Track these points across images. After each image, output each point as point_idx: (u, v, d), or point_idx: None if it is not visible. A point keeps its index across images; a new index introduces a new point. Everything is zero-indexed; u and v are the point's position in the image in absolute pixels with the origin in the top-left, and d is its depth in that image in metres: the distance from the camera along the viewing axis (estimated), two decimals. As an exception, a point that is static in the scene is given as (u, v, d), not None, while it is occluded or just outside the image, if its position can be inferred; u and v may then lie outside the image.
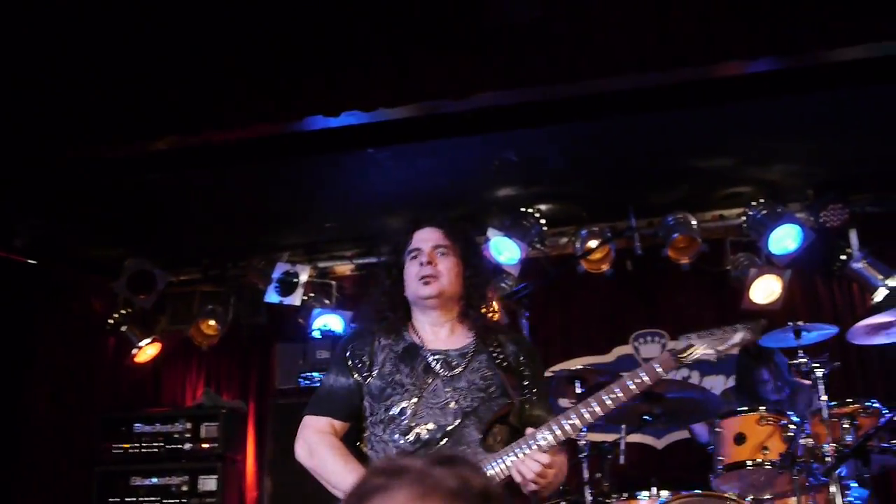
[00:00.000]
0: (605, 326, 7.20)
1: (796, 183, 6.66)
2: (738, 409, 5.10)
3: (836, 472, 4.59)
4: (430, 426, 3.00)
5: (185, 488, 6.26)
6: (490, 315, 3.26)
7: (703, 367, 6.87)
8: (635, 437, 6.56)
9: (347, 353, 3.19)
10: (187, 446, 6.41)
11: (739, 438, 4.96)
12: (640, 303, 7.18)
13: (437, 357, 3.11)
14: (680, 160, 6.25)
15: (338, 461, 3.05)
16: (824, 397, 4.79)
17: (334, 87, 4.74)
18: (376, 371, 3.12)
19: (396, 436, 3.01)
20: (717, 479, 5.04)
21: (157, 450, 6.41)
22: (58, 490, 7.01)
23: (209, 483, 6.19)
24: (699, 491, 4.89)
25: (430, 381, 3.06)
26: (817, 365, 4.85)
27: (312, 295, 7.17)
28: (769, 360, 5.67)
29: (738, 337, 3.08)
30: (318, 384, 3.23)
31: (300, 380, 6.22)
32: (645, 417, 5.04)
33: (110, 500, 6.32)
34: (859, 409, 4.88)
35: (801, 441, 4.78)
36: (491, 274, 3.41)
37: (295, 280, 6.99)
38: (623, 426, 5.24)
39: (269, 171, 6.09)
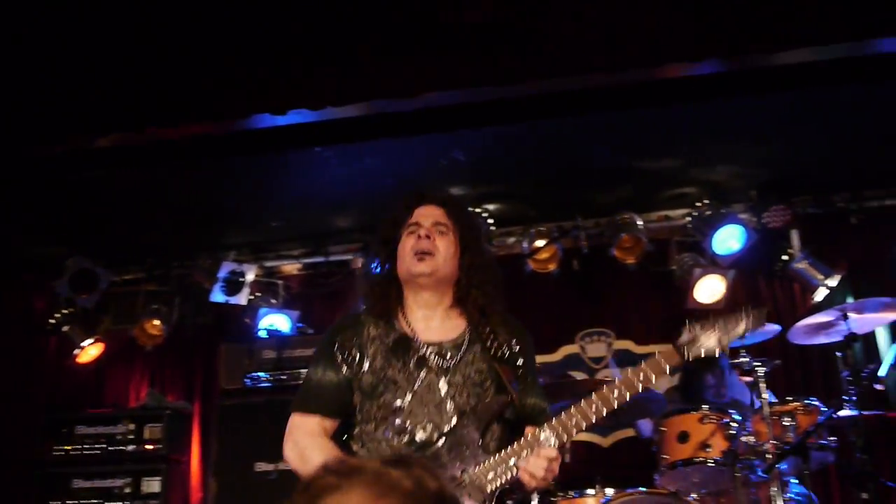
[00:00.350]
0: (551, 326, 7.23)
1: (740, 184, 6.76)
2: (681, 408, 5.16)
3: (777, 468, 4.68)
4: (427, 427, 2.88)
5: (127, 490, 6.16)
6: (484, 302, 3.07)
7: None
8: (582, 435, 6.62)
9: (335, 346, 3.03)
10: (130, 448, 6.30)
11: (682, 437, 5.02)
12: (587, 302, 7.24)
13: (430, 350, 2.98)
14: (626, 161, 6.31)
15: None
16: (765, 396, 4.87)
17: (281, 85, 4.70)
18: (367, 365, 2.97)
19: (390, 434, 2.89)
20: (661, 477, 5.09)
21: (99, 451, 6.30)
22: (-1, 494, 6.89)
23: (153, 485, 6.10)
24: (643, 489, 4.95)
25: (424, 375, 2.94)
26: (759, 364, 4.93)
27: (259, 294, 7.12)
28: (714, 366, 5.75)
29: (743, 326, 2.91)
30: (304, 378, 3.08)
31: (246, 380, 6.15)
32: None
33: (51, 503, 6.19)
34: (799, 408, 4.98)
35: (743, 439, 4.86)
36: (490, 262, 3.26)
37: (241, 279, 6.94)
38: (569, 425, 5.26)
39: (215, 170, 6.04)
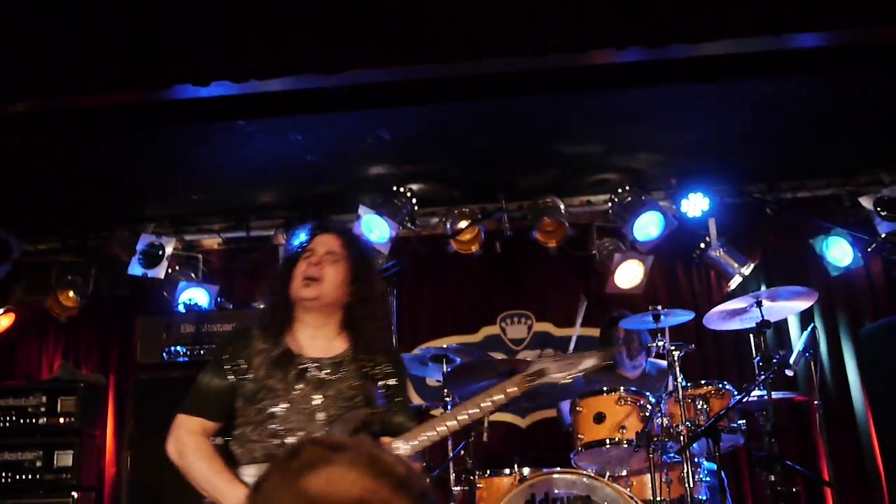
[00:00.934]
0: (473, 306, 7.28)
1: (660, 172, 6.87)
2: (599, 389, 5.25)
3: (689, 450, 4.79)
4: (298, 433, 3.12)
5: (39, 464, 6.01)
6: (372, 328, 3.35)
7: (566, 348, 7.04)
8: (500, 416, 6.70)
9: (226, 355, 3.28)
10: (42, 420, 6.16)
11: (599, 417, 5.11)
12: (508, 284, 7.30)
13: (309, 365, 3.23)
14: (550, 145, 6.37)
15: (203, 465, 3.15)
16: (680, 378, 4.98)
17: (204, 56, 4.63)
18: (251, 374, 3.21)
19: (265, 438, 3.14)
20: (577, 457, 5.18)
21: (8, 424, 6.15)
22: None
23: (65, 458, 5.96)
24: (559, 468, 5.02)
25: (301, 387, 3.18)
26: (674, 348, 5.04)
27: (178, 268, 7.01)
28: (633, 343, 5.87)
29: (590, 363, 3.28)
30: (194, 382, 3.35)
31: (163, 354, 6.06)
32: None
33: (-42, 476, 6.04)
34: (712, 391, 5.11)
35: (657, 420, 4.97)
36: (380, 293, 3.54)
37: (160, 252, 6.83)
38: (486, 405, 5.31)
39: (136, 140, 5.92)
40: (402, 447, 3.13)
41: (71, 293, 7.14)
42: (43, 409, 6.16)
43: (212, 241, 7.31)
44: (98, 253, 7.21)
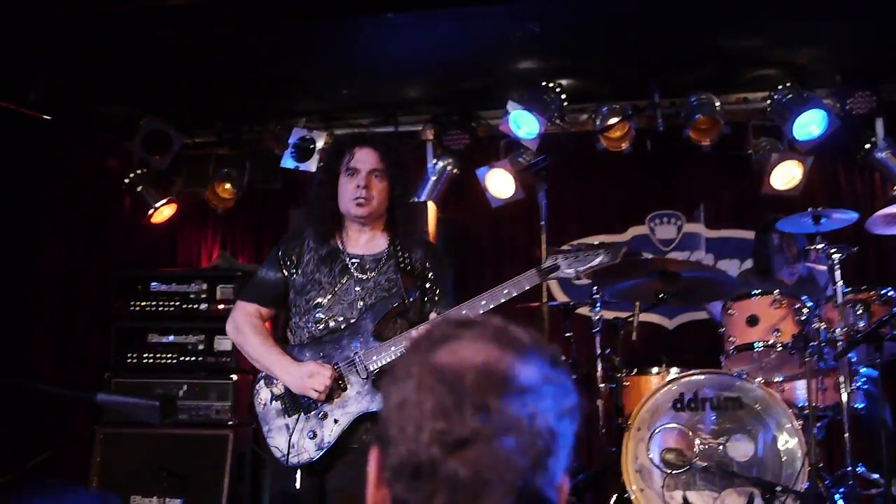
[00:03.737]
0: (621, 205, 7.17)
1: (824, 68, 6.51)
2: (752, 291, 5.11)
3: (847, 356, 4.63)
4: (339, 319, 3.56)
5: (201, 347, 6.33)
6: (411, 226, 3.80)
7: (718, 250, 6.89)
8: (647, 317, 6.63)
9: (280, 252, 3.73)
10: (203, 307, 6.45)
11: (752, 320, 4.99)
12: (658, 183, 7.14)
13: (353, 261, 3.64)
14: (706, 39, 6.08)
15: (257, 339, 3.64)
16: (839, 283, 4.78)
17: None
18: (301, 269, 3.67)
19: (311, 325, 3.59)
20: (728, 360, 5.10)
21: (172, 308, 6.47)
22: (73, 346, 7.13)
23: (225, 343, 6.23)
24: (709, 370, 4.95)
25: (345, 280, 3.60)
26: (834, 250, 4.82)
27: (328, 162, 7.11)
28: (790, 245, 5.68)
29: (598, 259, 3.48)
30: (253, 274, 3.89)
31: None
32: (661, 295, 5.08)
33: (128, 355, 6.41)
34: (874, 297, 4.90)
35: (814, 325, 4.80)
36: (412, 191, 4.21)
37: (311, 146, 6.93)
38: (637, 303, 5.27)
39: (286, 34, 5.95)
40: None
41: (227, 185, 7.37)
42: (204, 296, 6.45)
43: (361, 136, 7.36)
44: (252, 146, 7.39)
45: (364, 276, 3.60)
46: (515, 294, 3.47)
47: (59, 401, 6.60)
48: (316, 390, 3.45)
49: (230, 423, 6.14)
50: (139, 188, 7.32)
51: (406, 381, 1.25)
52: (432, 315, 3.56)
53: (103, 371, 6.44)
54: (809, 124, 6.39)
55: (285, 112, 7.20)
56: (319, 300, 3.60)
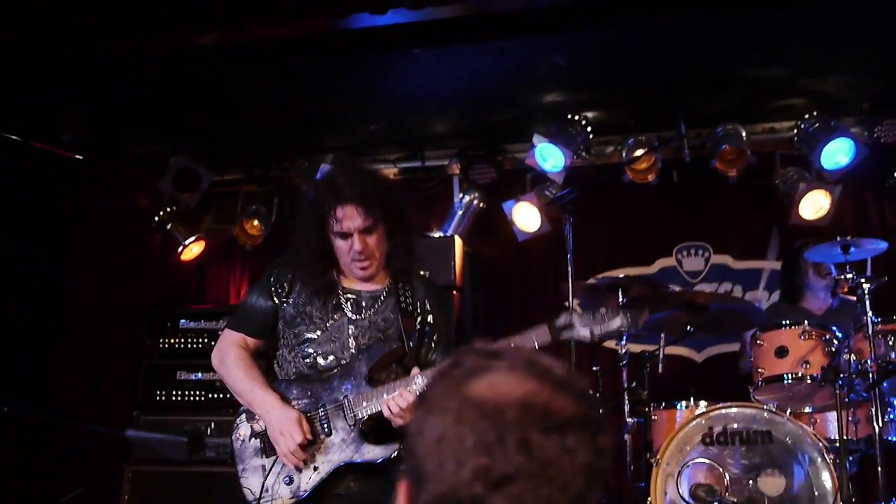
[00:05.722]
0: (648, 237, 7.14)
1: (851, 96, 6.47)
2: (782, 322, 5.06)
3: (879, 388, 4.57)
4: (329, 358, 3.37)
5: (227, 385, 6.37)
6: (412, 263, 3.50)
7: (745, 281, 6.83)
8: (675, 350, 6.57)
9: (272, 278, 3.49)
10: (231, 343, 6.49)
11: (781, 352, 4.94)
12: (685, 214, 7.10)
13: (349, 296, 3.43)
14: (732, 69, 6.08)
15: (240, 371, 3.40)
16: (870, 313, 4.72)
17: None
18: (292, 300, 3.44)
19: (299, 359, 3.39)
20: (757, 392, 5.04)
21: (201, 346, 6.51)
22: (106, 384, 7.19)
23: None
24: (738, 402, 4.90)
25: (337, 317, 3.39)
26: (864, 280, 4.77)
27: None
28: (821, 277, 5.61)
29: (616, 323, 3.24)
30: (242, 300, 3.77)
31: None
32: (688, 328, 5.04)
33: (157, 392, 6.45)
34: (904, 327, 4.82)
35: (844, 356, 4.74)
36: (414, 233, 3.59)
37: (338, 182, 6.96)
38: (662, 335, 5.23)
39: (315, 70, 6.02)
40: (419, 380, 3.19)
41: (255, 222, 7.43)
42: (232, 332, 6.49)
43: (388, 171, 7.40)
44: (279, 183, 7.45)
45: (359, 316, 3.38)
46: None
47: (91, 438, 6.65)
48: (280, 448, 3.26)
49: (259, 459, 6.13)
50: (169, 226, 7.40)
51: (443, 414, 1.21)
52: (429, 358, 3.40)
53: (133, 408, 6.48)
54: (837, 153, 6.35)
55: (313, 147, 7.27)
56: (309, 335, 3.38)
